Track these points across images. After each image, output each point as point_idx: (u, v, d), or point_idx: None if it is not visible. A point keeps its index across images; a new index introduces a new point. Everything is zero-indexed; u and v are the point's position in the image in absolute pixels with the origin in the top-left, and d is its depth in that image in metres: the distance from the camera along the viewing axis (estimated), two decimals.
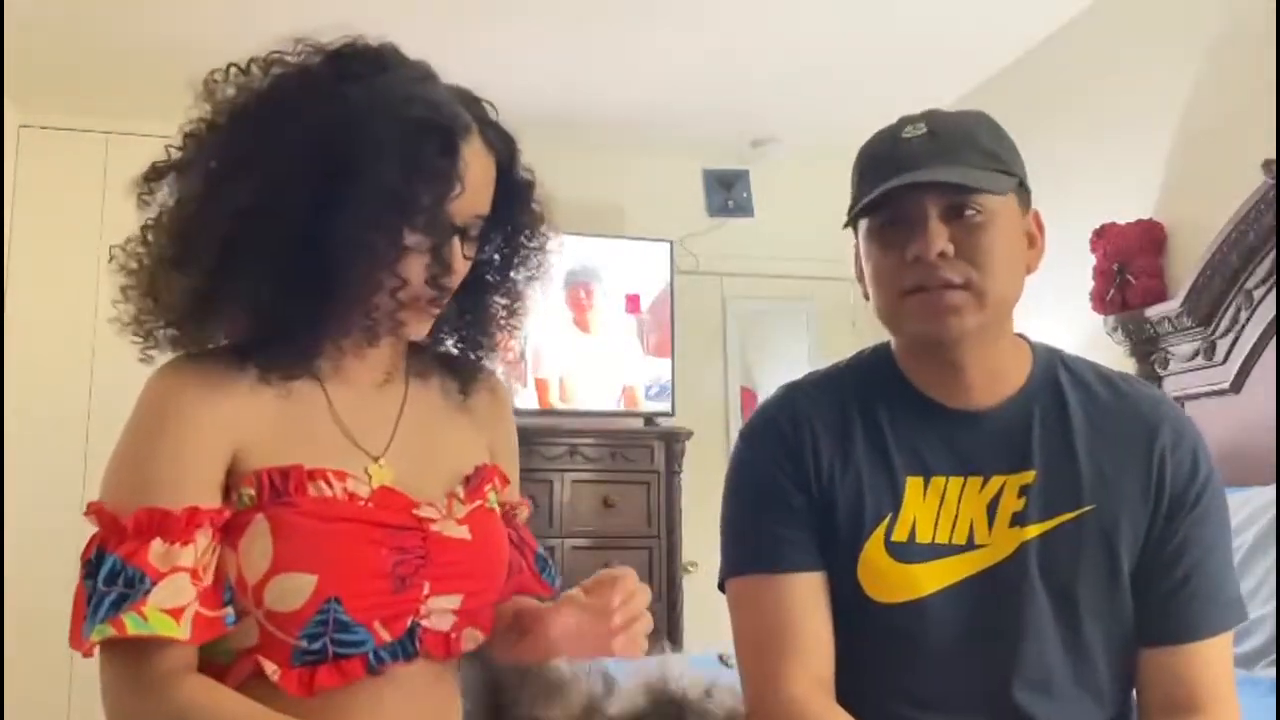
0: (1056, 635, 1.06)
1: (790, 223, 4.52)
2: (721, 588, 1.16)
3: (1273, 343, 2.43)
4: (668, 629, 3.72)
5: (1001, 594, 1.06)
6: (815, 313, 4.59)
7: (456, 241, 0.98)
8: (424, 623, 0.96)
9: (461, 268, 1.00)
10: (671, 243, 4.30)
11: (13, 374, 3.79)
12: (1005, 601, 1.06)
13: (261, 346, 0.96)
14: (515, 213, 1.07)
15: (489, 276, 1.10)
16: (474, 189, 0.98)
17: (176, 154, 1.02)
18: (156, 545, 0.87)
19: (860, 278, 1.17)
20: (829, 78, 3.76)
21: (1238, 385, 2.53)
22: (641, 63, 3.66)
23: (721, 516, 1.17)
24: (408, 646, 0.95)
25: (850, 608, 1.09)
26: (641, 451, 3.87)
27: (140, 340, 1.01)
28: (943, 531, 1.08)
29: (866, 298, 1.15)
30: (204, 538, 0.89)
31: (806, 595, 1.09)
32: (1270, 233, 2.40)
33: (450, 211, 0.96)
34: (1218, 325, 2.58)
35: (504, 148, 1.04)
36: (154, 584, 0.86)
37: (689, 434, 3.97)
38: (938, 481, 1.09)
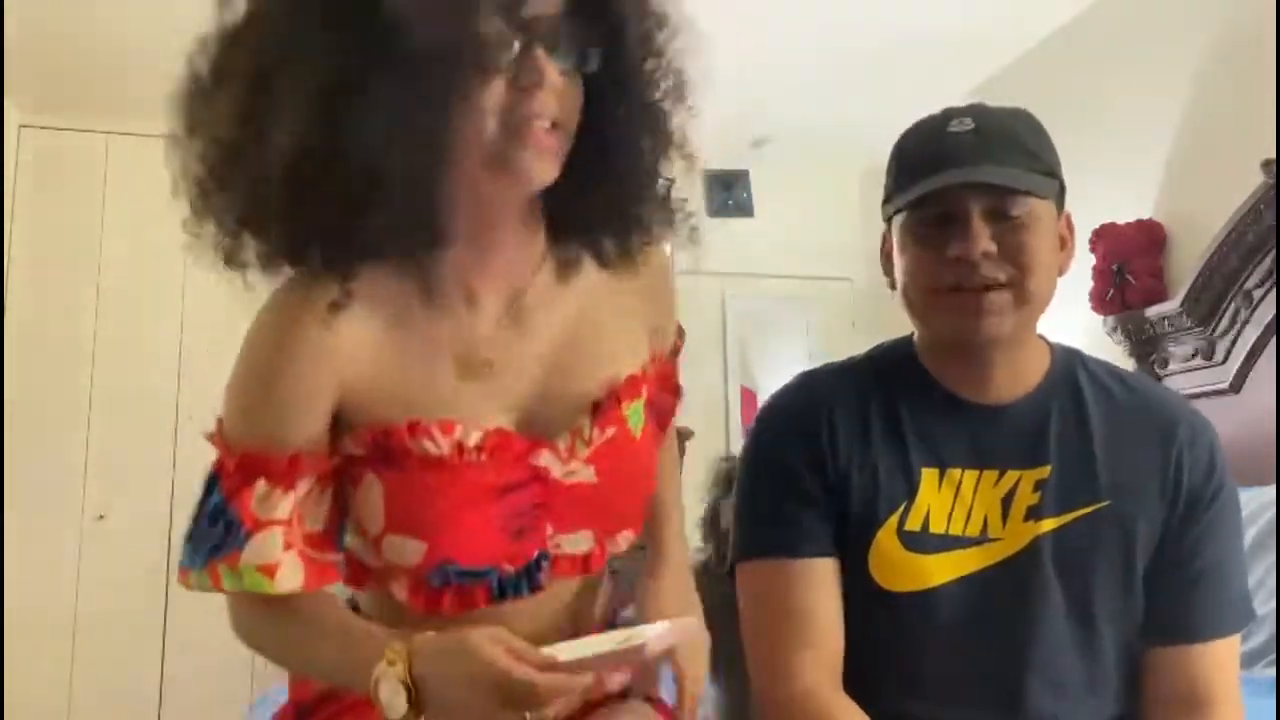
0: (1068, 630, 1.06)
1: (790, 223, 4.52)
2: (731, 571, 1.16)
3: (1272, 343, 2.43)
4: None
5: (1014, 587, 1.06)
6: (815, 313, 4.59)
7: (540, 51, 0.81)
8: (554, 552, 0.92)
9: (553, 79, 0.82)
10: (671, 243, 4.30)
11: (13, 374, 3.79)
12: (1018, 595, 1.06)
13: (374, 243, 0.84)
14: (609, 18, 0.86)
15: (620, 111, 0.89)
16: None
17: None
18: (260, 486, 0.86)
19: (886, 270, 1.16)
20: (829, 78, 3.76)
21: (1237, 385, 2.53)
22: None
23: (735, 499, 1.17)
24: (533, 577, 0.91)
25: (860, 596, 1.08)
26: None
27: (232, 265, 0.91)
28: (956, 523, 1.08)
29: (893, 288, 1.15)
30: (305, 485, 0.87)
31: (818, 581, 1.08)
32: (1270, 233, 2.41)
33: (498, 10, 0.79)
34: (1217, 325, 2.58)
35: None
36: (247, 538, 0.85)
37: (689, 434, 3.96)
38: (953, 474, 1.09)
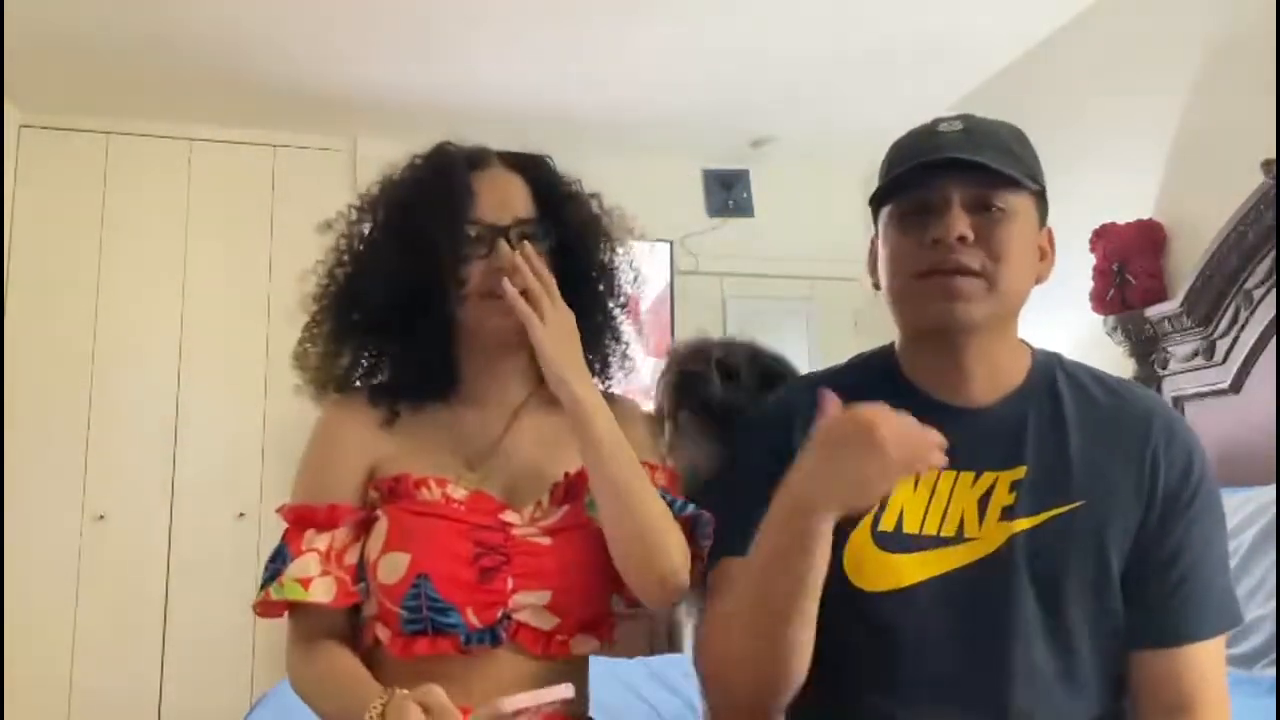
0: (1042, 629, 1.06)
1: (790, 223, 4.52)
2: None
3: (1273, 343, 2.43)
4: (667, 629, 3.72)
5: (989, 586, 1.07)
6: (815, 313, 4.59)
7: (504, 243, 1.15)
8: (515, 615, 1.11)
9: (512, 261, 1.14)
10: (671, 243, 4.30)
11: (13, 374, 3.79)
12: (993, 594, 1.06)
13: (399, 386, 1.21)
14: (564, 219, 1.22)
15: (582, 300, 1.22)
16: (499, 196, 1.18)
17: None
18: (309, 534, 1.13)
19: (872, 270, 1.19)
20: (829, 78, 3.76)
21: (1237, 385, 2.53)
22: (641, 62, 3.66)
23: (714, 503, 1.18)
24: (496, 633, 1.10)
25: (835, 596, 1.08)
26: None
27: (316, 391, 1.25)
28: (932, 523, 1.09)
29: (876, 288, 1.18)
30: (344, 529, 1.15)
31: None
32: (1270, 233, 2.40)
33: (474, 220, 1.16)
34: (1217, 325, 2.58)
35: (530, 163, 1.23)
36: (291, 560, 1.12)
37: None
38: (930, 474, 1.10)
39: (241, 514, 3.87)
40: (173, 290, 4.01)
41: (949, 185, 1.07)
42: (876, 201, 1.15)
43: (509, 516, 1.15)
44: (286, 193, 4.10)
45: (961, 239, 1.06)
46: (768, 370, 1.32)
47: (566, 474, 1.17)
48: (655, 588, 1.11)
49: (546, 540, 1.14)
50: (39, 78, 3.69)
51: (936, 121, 1.13)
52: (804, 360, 4.39)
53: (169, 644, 3.85)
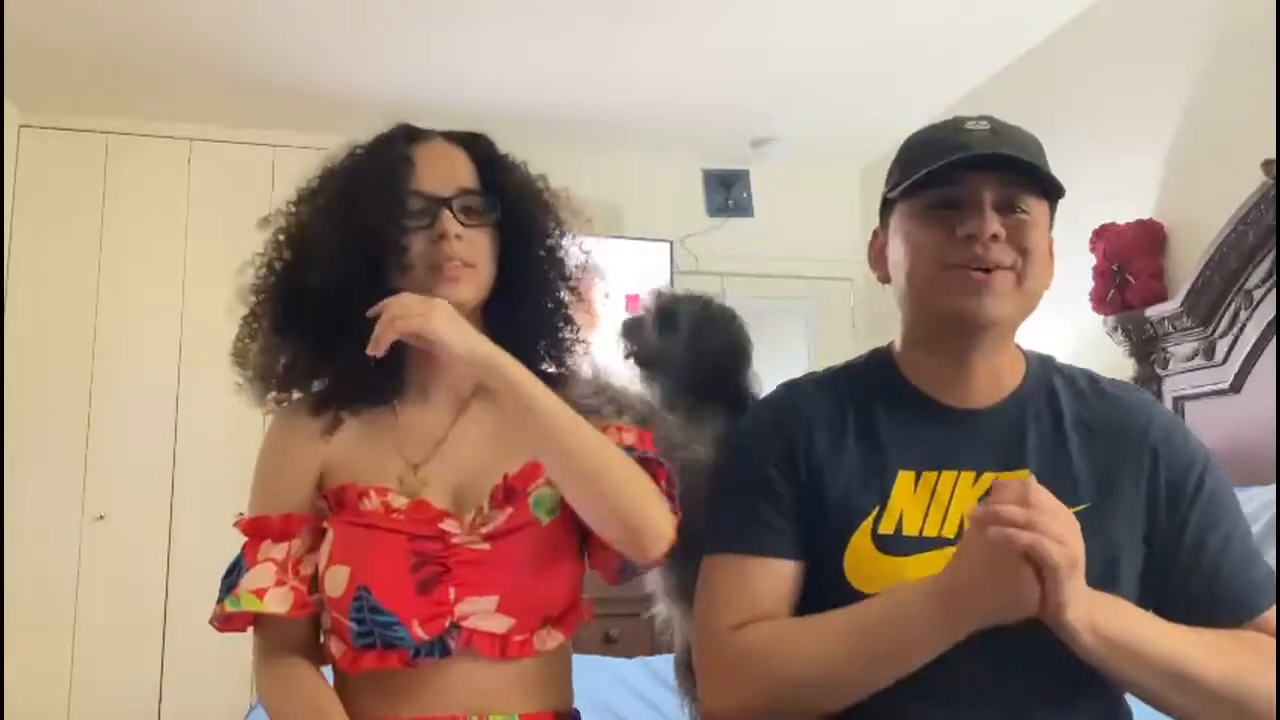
0: (1050, 629, 1.06)
1: (790, 223, 4.52)
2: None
3: (1273, 343, 2.43)
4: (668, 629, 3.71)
5: None
6: (815, 313, 4.59)
7: (447, 212, 1.13)
8: (465, 623, 1.09)
9: (454, 230, 1.13)
10: (671, 243, 4.30)
11: (13, 374, 3.79)
12: None
13: (343, 391, 1.19)
14: (508, 193, 1.19)
15: (529, 283, 1.21)
16: (440, 167, 1.15)
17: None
18: (265, 544, 1.13)
19: (877, 264, 1.19)
20: (829, 78, 3.76)
21: (1237, 385, 2.53)
22: (641, 62, 3.66)
23: (707, 498, 1.18)
24: (444, 644, 1.09)
25: (836, 599, 1.08)
26: None
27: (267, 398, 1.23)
28: (932, 525, 1.08)
29: (884, 281, 1.17)
30: (301, 538, 1.14)
31: (777, 580, 1.10)
32: (1270, 233, 2.40)
33: (415, 190, 1.14)
34: (1217, 325, 2.58)
35: (470, 139, 1.21)
36: (246, 571, 1.12)
37: None
38: (929, 476, 1.10)
39: (241, 514, 3.87)
40: (173, 290, 4.01)
41: (980, 183, 1.07)
42: (899, 195, 1.13)
43: (448, 525, 1.12)
44: (286, 193, 4.09)
45: (994, 237, 1.06)
46: (708, 323, 1.31)
47: (506, 476, 1.14)
48: (639, 554, 1.09)
49: (486, 546, 1.12)
50: (39, 78, 3.69)
51: (961, 120, 1.12)
52: (804, 360, 4.41)
53: (169, 644, 3.85)
